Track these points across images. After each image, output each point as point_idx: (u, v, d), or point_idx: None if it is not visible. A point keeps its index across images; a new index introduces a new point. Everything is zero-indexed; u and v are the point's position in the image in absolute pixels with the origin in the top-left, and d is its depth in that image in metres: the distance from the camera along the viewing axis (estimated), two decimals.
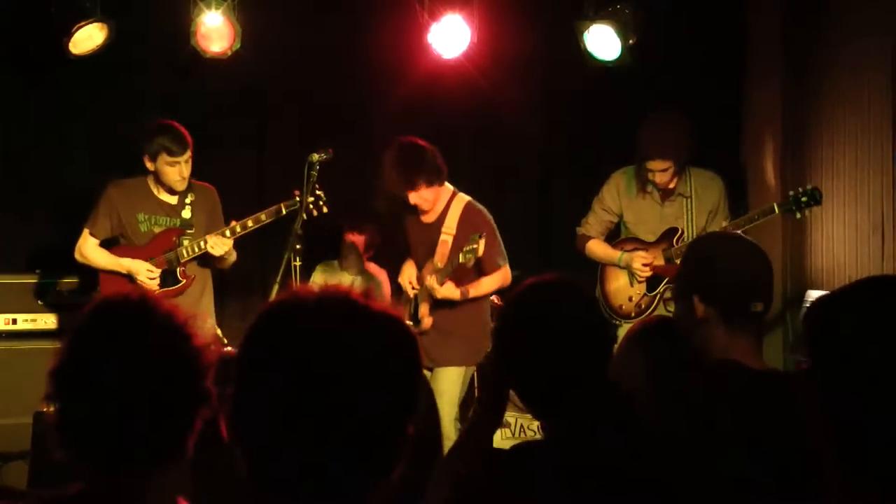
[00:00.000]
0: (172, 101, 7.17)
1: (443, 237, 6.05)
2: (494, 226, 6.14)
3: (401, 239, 6.43)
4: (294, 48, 7.41)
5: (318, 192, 6.21)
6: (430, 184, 6.00)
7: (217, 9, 6.51)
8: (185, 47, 6.63)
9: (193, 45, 6.58)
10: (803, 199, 6.18)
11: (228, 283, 7.56)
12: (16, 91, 7.19)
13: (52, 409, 2.07)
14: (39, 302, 6.84)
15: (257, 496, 1.70)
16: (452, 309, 6.06)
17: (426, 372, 6.08)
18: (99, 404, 2.00)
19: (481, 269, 6.04)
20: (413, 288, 6.23)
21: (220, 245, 6.17)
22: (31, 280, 6.89)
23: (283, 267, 5.88)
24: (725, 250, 3.15)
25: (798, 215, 6.26)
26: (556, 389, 2.65)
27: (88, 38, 6.49)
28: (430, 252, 6.12)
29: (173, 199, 6.27)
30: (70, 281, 6.90)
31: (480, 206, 6.18)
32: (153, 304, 2.09)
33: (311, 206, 6.19)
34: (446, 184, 6.15)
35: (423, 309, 6.13)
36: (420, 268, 6.23)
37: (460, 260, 5.77)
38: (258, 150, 7.84)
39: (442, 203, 6.14)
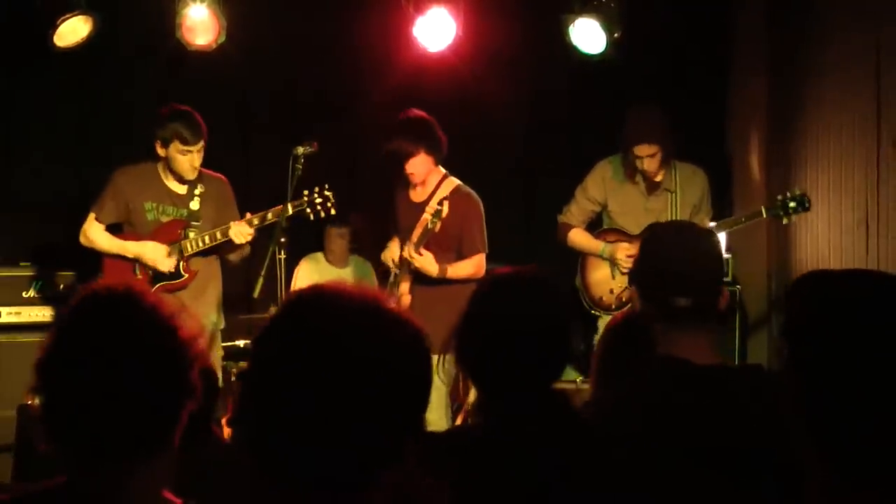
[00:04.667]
0: (157, 93, 7.15)
1: (425, 216, 6.04)
2: (482, 211, 6.15)
3: (390, 218, 6.43)
4: (279, 41, 7.41)
5: (326, 193, 6.14)
6: (428, 153, 6.03)
7: (202, 2, 6.49)
8: (170, 40, 6.61)
9: (178, 38, 6.56)
10: (791, 204, 6.20)
11: None
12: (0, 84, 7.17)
13: (36, 401, 2.06)
14: (24, 295, 6.81)
15: (266, 490, 1.71)
16: (436, 297, 6.03)
17: None
18: (83, 397, 1.99)
19: (461, 250, 6.05)
20: (395, 264, 6.22)
21: (244, 234, 6.01)
22: (16, 273, 6.86)
23: (267, 260, 5.88)
24: (654, 243, 3.08)
25: (785, 220, 6.28)
26: (497, 383, 2.65)
27: (73, 31, 6.46)
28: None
29: (182, 189, 6.12)
30: (59, 274, 6.87)
31: (469, 190, 6.18)
32: (138, 296, 2.08)
33: (318, 207, 6.13)
34: (439, 167, 6.17)
35: (403, 287, 6.13)
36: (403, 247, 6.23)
37: (428, 226, 5.80)
38: (243, 143, 7.83)
39: (432, 183, 6.15)
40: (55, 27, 6.37)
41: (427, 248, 5.99)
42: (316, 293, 1.77)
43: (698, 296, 2.90)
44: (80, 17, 6.42)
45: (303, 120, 7.43)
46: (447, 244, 6.07)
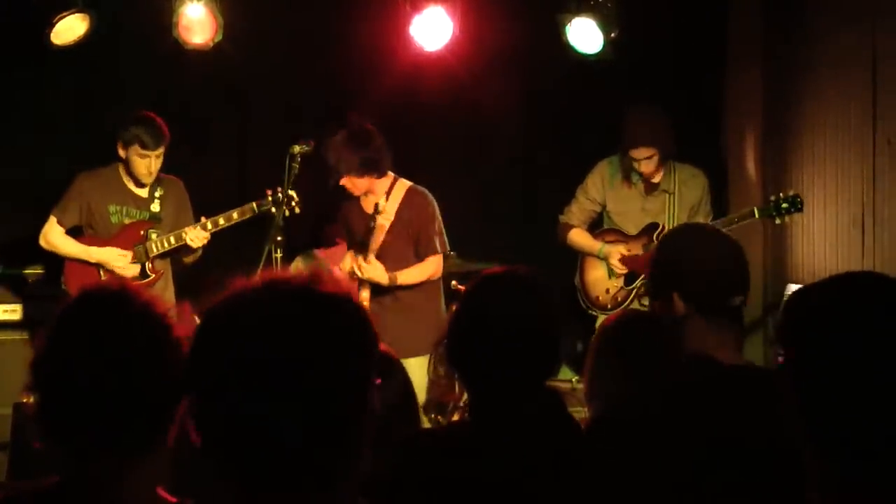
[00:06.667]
0: (154, 92, 7.15)
1: (379, 222, 5.95)
2: (437, 209, 6.11)
3: (342, 228, 6.41)
4: (276, 40, 7.40)
5: (290, 193, 6.17)
6: (375, 175, 5.98)
7: (199, 0, 6.49)
8: (166, 39, 6.60)
9: (175, 37, 6.55)
10: (784, 205, 6.21)
11: (208, 275, 7.54)
12: None
13: (31, 399, 2.07)
14: (22, 292, 6.80)
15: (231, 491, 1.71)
16: (405, 297, 6.04)
17: None
18: (78, 395, 2.00)
19: (418, 251, 6.03)
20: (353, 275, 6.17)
21: (199, 238, 6.18)
22: (13, 271, 6.83)
23: (263, 258, 5.88)
24: (699, 244, 3.07)
25: (778, 220, 6.29)
26: (486, 383, 2.66)
27: (70, 29, 6.45)
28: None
29: (144, 192, 6.29)
30: (34, 271, 6.85)
31: (423, 189, 6.14)
32: (132, 294, 2.09)
33: (283, 206, 6.18)
34: (388, 173, 6.11)
35: (364, 294, 6.04)
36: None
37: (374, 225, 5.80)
38: (240, 142, 7.82)
39: (382, 191, 6.06)
40: (52, 25, 6.36)
41: (387, 251, 5.96)
42: (231, 299, 1.77)
43: (746, 293, 2.95)
44: (76, 15, 6.41)
45: (299, 118, 7.41)
46: (407, 246, 6.05)
